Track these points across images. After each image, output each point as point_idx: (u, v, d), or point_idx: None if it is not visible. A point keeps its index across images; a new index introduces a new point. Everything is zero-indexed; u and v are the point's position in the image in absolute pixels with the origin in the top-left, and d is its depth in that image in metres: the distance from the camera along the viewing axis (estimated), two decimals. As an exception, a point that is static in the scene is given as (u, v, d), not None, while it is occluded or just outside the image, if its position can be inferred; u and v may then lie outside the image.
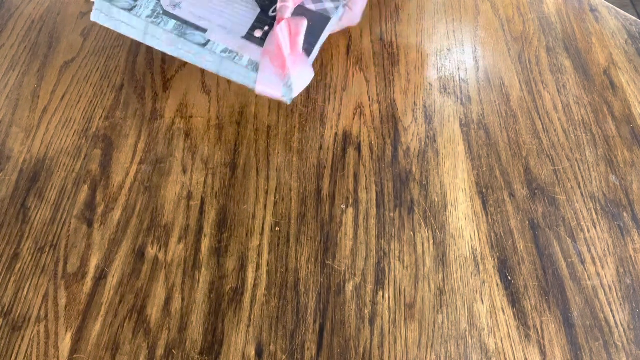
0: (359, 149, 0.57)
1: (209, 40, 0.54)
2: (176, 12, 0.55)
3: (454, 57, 0.65)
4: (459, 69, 0.64)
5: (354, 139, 0.58)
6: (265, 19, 0.55)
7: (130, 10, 0.55)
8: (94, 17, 0.56)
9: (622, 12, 0.70)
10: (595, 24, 0.69)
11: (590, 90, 0.62)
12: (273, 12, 0.54)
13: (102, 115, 0.59)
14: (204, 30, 0.54)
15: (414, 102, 0.61)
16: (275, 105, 0.60)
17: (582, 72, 0.64)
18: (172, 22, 0.54)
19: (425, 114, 0.60)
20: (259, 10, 0.55)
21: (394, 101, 0.61)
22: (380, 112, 0.60)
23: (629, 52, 0.66)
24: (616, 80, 0.63)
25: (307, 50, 0.55)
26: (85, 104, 0.60)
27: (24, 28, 0.68)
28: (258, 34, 0.53)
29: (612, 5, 0.71)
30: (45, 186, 0.55)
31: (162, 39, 0.55)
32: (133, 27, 0.55)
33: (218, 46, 0.54)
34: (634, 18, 0.70)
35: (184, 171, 0.56)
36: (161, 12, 0.55)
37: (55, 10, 0.70)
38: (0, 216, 0.53)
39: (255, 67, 0.53)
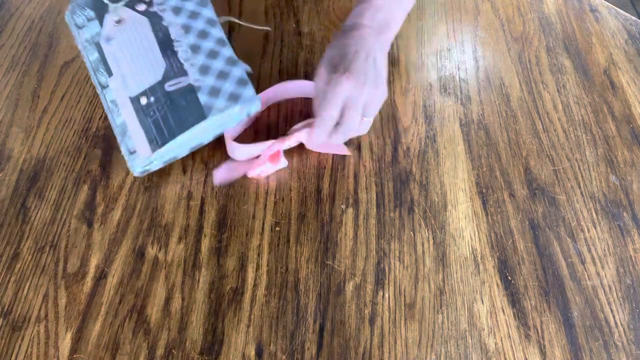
0: (359, 149, 0.57)
1: (107, 86, 0.53)
2: (105, 46, 0.53)
3: (454, 57, 0.65)
4: (459, 69, 0.64)
5: (354, 139, 0.58)
6: (157, 90, 0.51)
7: (80, 27, 0.54)
8: (66, 18, 0.56)
9: (622, 12, 0.70)
10: (595, 24, 0.69)
11: (590, 90, 0.62)
12: (169, 86, 0.51)
13: (102, 115, 0.59)
14: (110, 74, 0.53)
15: (414, 102, 0.61)
16: (275, 106, 0.60)
17: (582, 72, 0.64)
18: (96, 54, 0.53)
19: (425, 114, 0.60)
20: (159, 77, 0.51)
21: (394, 101, 0.61)
22: (380, 112, 0.60)
23: (629, 52, 0.66)
24: (616, 80, 0.63)
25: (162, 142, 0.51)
26: (85, 104, 0.60)
27: (24, 28, 0.68)
28: (143, 101, 0.51)
29: (612, 5, 0.71)
30: (45, 186, 0.55)
31: (87, 65, 0.55)
32: (77, 42, 0.55)
33: (110, 94, 0.53)
34: (634, 18, 0.70)
35: (184, 171, 0.56)
36: (96, 41, 0.54)
37: (55, 10, 0.70)
38: (0, 216, 0.53)
39: (122, 130, 0.52)
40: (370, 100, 0.52)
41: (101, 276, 0.49)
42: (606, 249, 0.51)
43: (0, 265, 0.50)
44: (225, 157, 0.56)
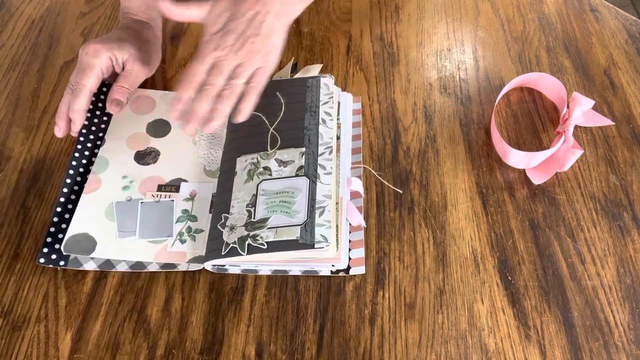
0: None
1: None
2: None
3: (454, 57, 0.65)
4: (459, 69, 0.64)
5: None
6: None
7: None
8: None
9: (622, 12, 0.70)
10: (595, 24, 0.69)
11: (590, 90, 0.62)
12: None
13: (102, 115, 0.59)
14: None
15: (414, 102, 0.61)
16: (275, 105, 0.60)
17: (582, 72, 0.64)
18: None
19: (425, 114, 0.60)
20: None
21: (394, 101, 0.61)
22: (380, 112, 0.60)
23: (629, 52, 0.66)
24: (616, 80, 0.63)
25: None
26: (85, 104, 0.60)
27: (24, 28, 0.68)
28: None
29: (612, 5, 0.71)
30: (45, 186, 0.55)
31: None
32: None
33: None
34: (634, 18, 0.70)
35: (184, 171, 0.56)
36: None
37: (55, 10, 0.70)
38: (0, 216, 0.53)
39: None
40: (246, 65, 0.48)
41: (101, 276, 0.49)
42: (606, 249, 0.51)
43: (0, 265, 0.50)
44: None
